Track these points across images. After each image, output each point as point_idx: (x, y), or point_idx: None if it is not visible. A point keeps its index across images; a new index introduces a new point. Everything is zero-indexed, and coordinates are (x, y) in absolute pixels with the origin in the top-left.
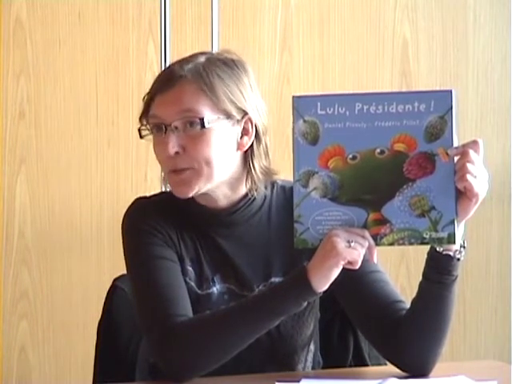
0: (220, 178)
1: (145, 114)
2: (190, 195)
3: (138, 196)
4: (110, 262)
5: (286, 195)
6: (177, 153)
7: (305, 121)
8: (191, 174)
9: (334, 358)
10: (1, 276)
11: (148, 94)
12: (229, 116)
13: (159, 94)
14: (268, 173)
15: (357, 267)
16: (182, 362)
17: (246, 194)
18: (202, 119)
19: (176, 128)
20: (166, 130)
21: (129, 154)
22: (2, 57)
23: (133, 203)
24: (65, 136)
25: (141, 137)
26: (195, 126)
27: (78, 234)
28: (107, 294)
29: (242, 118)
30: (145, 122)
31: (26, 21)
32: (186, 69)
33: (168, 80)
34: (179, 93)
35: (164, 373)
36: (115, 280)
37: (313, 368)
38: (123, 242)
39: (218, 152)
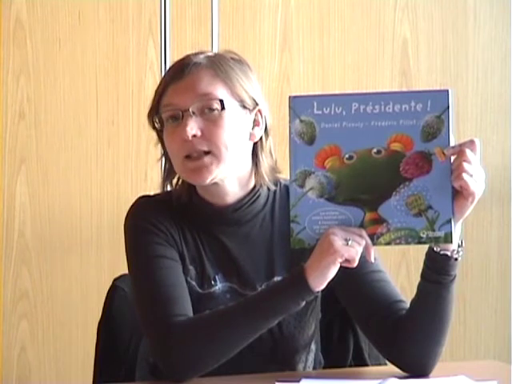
0: (235, 166)
1: (155, 107)
2: (208, 181)
3: (141, 194)
4: (110, 262)
5: (288, 194)
6: (194, 136)
7: (301, 121)
8: (210, 158)
9: (334, 357)
10: (1, 276)
11: (160, 85)
12: (243, 103)
13: (173, 83)
14: (273, 170)
15: (354, 265)
16: (181, 362)
17: (252, 190)
18: (221, 101)
19: (193, 113)
20: (182, 116)
21: (129, 154)
22: (2, 57)
23: (135, 201)
24: (65, 136)
25: (154, 128)
26: (213, 111)
27: (78, 234)
28: (107, 293)
29: (254, 108)
30: (156, 115)
31: (26, 21)
32: (199, 57)
33: (182, 68)
34: (196, 78)
35: (164, 373)
36: (115, 280)
37: (314, 368)
38: (125, 241)
39: (234, 137)
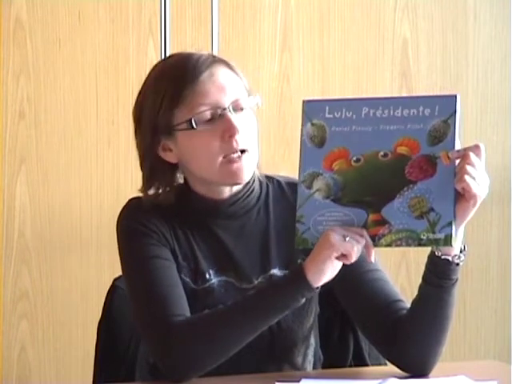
0: None
1: (170, 110)
2: (245, 182)
3: (131, 197)
4: (110, 262)
5: (282, 189)
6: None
7: (313, 124)
8: (248, 157)
9: (334, 357)
10: (1, 276)
11: (169, 88)
12: (255, 101)
13: (199, 83)
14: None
15: (352, 261)
16: (181, 362)
17: (246, 184)
18: (251, 99)
19: (231, 111)
20: (219, 115)
21: (129, 153)
22: (2, 57)
23: (126, 204)
24: (65, 136)
25: (191, 127)
26: (243, 109)
27: (78, 234)
28: (107, 294)
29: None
30: (182, 118)
31: (26, 21)
32: (208, 55)
33: (200, 67)
34: (223, 76)
35: (164, 373)
36: (115, 280)
37: (314, 363)
38: (118, 243)
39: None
